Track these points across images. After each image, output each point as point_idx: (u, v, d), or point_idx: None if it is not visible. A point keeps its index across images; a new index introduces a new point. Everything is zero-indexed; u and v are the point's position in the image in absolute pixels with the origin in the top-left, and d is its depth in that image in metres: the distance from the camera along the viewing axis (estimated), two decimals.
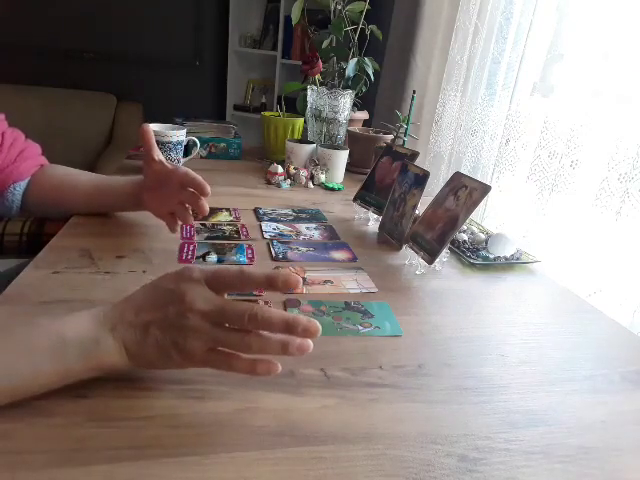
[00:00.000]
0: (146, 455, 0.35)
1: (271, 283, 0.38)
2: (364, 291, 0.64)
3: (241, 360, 0.39)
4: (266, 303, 0.57)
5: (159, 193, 0.69)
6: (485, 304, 0.65)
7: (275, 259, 0.71)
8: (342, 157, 1.14)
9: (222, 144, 1.25)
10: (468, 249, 0.80)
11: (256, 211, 0.90)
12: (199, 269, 0.39)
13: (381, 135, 1.26)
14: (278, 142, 1.25)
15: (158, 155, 0.68)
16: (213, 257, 0.69)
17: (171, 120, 1.18)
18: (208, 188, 0.63)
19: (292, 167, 1.12)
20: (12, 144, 0.75)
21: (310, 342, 0.37)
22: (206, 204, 0.64)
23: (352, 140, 1.28)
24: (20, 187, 0.76)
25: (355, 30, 1.32)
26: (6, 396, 0.36)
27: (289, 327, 0.36)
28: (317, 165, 1.14)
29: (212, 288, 0.39)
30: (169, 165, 0.68)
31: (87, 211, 0.78)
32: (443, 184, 0.76)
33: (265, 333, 0.38)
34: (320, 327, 0.37)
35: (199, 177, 0.64)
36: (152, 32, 2.56)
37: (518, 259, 0.79)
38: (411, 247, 0.74)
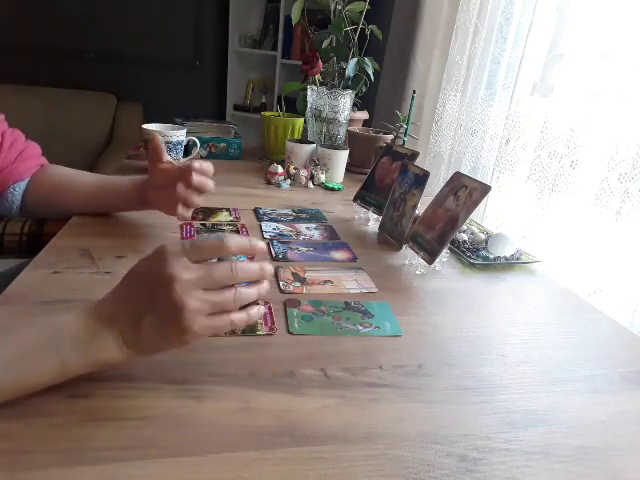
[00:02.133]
0: (145, 455, 0.35)
1: (246, 252, 0.41)
2: (364, 291, 0.64)
3: (236, 313, 0.40)
4: (266, 303, 0.57)
5: (170, 191, 0.70)
6: (485, 304, 0.65)
7: (275, 259, 0.71)
8: (342, 157, 1.14)
9: (222, 144, 1.25)
10: (468, 249, 0.80)
11: (256, 211, 0.90)
12: (174, 244, 0.39)
13: (381, 135, 1.26)
14: (278, 142, 1.25)
15: (166, 158, 0.70)
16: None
17: (171, 120, 1.18)
18: (211, 169, 0.67)
19: (292, 167, 1.12)
20: (12, 144, 0.75)
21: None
22: (210, 181, 0.67)
23: (352, 140, 1.28)
24: (20, 187, 0.76)
25: (355, 30, 1.32)
26: (6, 394, 0.36)
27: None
28: (317, 165, 1.14)
29: (191, 260, 0.39)
30: (178, 163, 0.69)
31: (88, 211, 0.78)
32: (443, 184, 0.76)
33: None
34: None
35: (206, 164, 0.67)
36: (152, 32, 2.56)
37: (518, 259, 0.79)
38: (411, 247, 0.74)
